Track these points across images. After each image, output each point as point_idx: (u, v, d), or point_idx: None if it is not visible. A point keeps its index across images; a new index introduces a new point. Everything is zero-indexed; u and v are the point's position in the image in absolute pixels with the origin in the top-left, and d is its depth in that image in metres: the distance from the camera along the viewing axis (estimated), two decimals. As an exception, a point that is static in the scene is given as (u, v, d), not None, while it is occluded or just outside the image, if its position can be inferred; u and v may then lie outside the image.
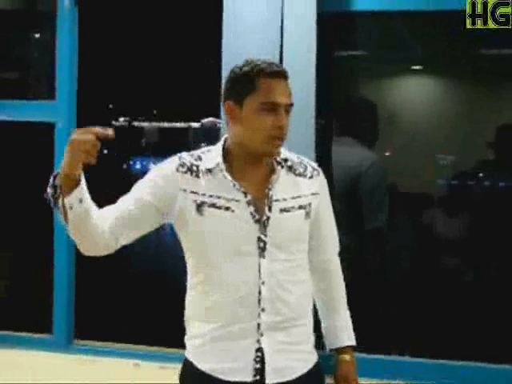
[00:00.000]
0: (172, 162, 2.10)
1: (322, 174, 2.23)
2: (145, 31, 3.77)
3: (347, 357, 2.27)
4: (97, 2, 3.43)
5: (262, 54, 2.71)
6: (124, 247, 2.11)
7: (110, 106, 4.21)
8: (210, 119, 3.73)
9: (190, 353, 2.15)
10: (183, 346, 2.21)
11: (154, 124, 4.19)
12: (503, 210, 3.43)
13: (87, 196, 1.95)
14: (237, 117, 2.05)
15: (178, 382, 2.20)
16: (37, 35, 4.01)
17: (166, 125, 4.16)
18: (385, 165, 3.46)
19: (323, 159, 2.83)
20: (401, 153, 3.54)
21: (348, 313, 2.31)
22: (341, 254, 2.34)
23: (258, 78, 2.02)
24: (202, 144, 3.92)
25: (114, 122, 4.15)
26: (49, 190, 1.95)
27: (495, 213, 3.44)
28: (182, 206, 2.05)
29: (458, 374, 3.05)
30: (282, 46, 2.91)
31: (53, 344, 3.42)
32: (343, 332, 2.28)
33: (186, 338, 2.19)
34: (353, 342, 2.29)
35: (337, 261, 2.32)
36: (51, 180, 1.95)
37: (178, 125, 4.09)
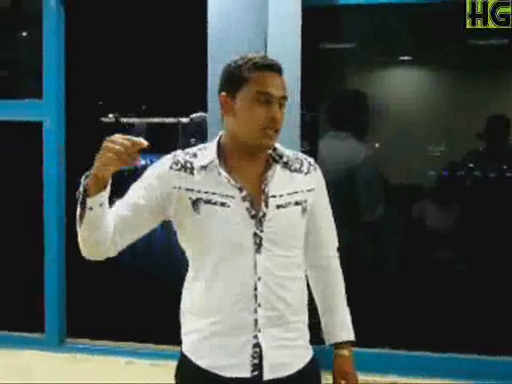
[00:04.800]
0: (166, 161, 2.09)
1: (318, 169, 2.22)
2: (132, 27, 3.74)
3: (345, 352, 2.25)
4: (83, -1, 3.43)
5: (247, 47, 2.72)
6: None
7: (100, 103, 4.19)
8: (199, 114, 3.71)
9: (187, 348, 2.13)
10: (175, 343, 2.20)
11: (143, 120, 4.17)
12: (494, 200, 3.43)
13: (107, 202, 1.95)
14: (230, 109, 2.05)
15: (170, 378, 2.19)
16: (24, 34, 3.99)
17: (155, 120, 4.15)
18: (375, 157, 3.46)
19: (311, 152, 2.82)
20: (390, 145, 3.53)
21: (347, 309, 2.29)
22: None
23: (252, 70, 2.02)
24: (192, 139, 3.92)
25: (103, 119, 4.13)
26: (80, 188, 1.94)
27: (486, 203, 3.44)
28: (177, 204, 2.05)
29: (454, 367, 3.07)
30: (266, 39, 2.91)
31: (45, 343, 3.43)
32: (342, 327, 2.26)
33: (182, 332, 2.17)
34: (351, 337, 2.26)
35: (336, 257, 2.30)
36: (83, 179, 1.94)
37: (167, 120, 4.07)
